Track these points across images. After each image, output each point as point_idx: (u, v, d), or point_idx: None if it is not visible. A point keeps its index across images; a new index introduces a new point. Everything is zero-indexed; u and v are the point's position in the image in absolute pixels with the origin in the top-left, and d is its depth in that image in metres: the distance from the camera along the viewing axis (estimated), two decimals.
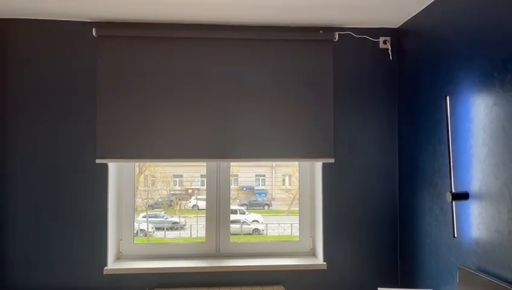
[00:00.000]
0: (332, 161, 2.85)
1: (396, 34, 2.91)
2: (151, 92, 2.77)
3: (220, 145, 2.80)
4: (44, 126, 2.74)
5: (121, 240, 2.97)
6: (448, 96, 2.12)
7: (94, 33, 2.71)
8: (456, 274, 2.13)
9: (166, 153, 2.77)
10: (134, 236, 3.00)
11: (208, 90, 2.80)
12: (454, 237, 2.07)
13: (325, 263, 2.84)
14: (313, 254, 3.05)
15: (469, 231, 2.03)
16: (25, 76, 2.73)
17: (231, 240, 3.04)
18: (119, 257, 2.95)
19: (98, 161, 2.72)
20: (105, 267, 2.73)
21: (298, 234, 3.11)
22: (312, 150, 2.84)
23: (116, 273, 2.74)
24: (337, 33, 2.86)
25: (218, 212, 3.03)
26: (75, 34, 2.77)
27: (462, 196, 2.03)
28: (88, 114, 2.76)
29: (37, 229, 2.72)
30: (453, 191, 2.09)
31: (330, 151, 2.85)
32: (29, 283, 2.71)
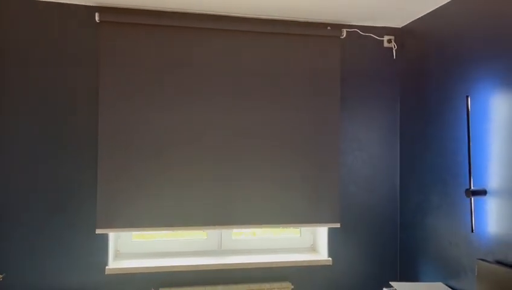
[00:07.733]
0: (338, 225, 2.86)
1: (400, 34, 2.98)
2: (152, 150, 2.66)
3: (219, 213, 2.72)
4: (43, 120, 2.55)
5: (119, 238, 2.83)
6: (469, 96, 2.20)
7: (97, 18, 2.55)
8: (471, 268, 2.22)
9: (166, 221, 2.65)
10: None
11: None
12: (472, 231, 2.16)
13: (330, 258, 2.86)
14: (313, 249, 3.07)
15: (485, 226, 2.12)
16: (18, 78, 2.52)
17: (233, 237, 2.99)
18: (117, 255, 2.81)
19: (98, 231, 2.57)
20: (107, 267, 2.59)
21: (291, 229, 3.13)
22: (316, 215, 2.84)
23: (117, 272, 2.60)
24: (344, 30, 2.88)
25: None
26: (75, 18, 2.58)
27: (480, 193, 2.12)
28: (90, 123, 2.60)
29: (38, 230, 2.53)
30: (472, 188, 2.17)
31: (336, 217, 2.86)
32: (33, 284, 2.52)
